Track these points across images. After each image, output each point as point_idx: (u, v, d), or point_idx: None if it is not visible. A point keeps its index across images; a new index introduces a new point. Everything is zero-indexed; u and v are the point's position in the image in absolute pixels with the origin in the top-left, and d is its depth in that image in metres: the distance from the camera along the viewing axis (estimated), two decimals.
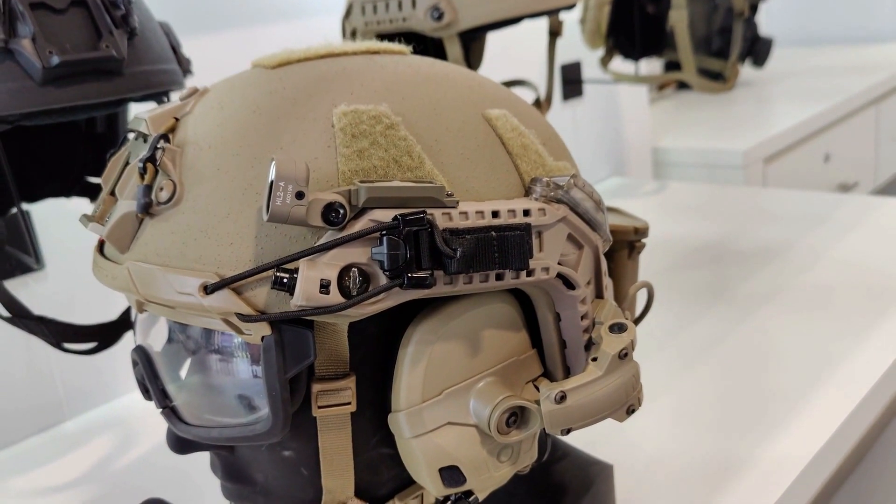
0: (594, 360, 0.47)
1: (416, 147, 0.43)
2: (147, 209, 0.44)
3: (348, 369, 0.45)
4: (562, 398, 0.45)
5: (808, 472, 0.73)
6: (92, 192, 0.85)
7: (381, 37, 0.92)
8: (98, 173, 0.85)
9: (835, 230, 1.29)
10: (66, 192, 0.84)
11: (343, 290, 0.39)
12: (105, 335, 0.74)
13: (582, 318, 0.48)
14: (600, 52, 1.53)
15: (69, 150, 0.83)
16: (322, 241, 0.40)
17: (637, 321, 0.58)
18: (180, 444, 0.49)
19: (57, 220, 0.95)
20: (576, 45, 1.62)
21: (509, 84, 1.12)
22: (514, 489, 0.54)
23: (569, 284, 0.46)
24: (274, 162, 0.38)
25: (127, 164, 0.47)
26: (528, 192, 0.46)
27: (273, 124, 0.44)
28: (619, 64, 1.67)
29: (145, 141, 0.47)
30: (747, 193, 1.56)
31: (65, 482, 0.87)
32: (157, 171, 0.44)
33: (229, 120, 0.45)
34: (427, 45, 1.03)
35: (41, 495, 0.85)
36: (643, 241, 0.57)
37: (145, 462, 0.88)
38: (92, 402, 1.02)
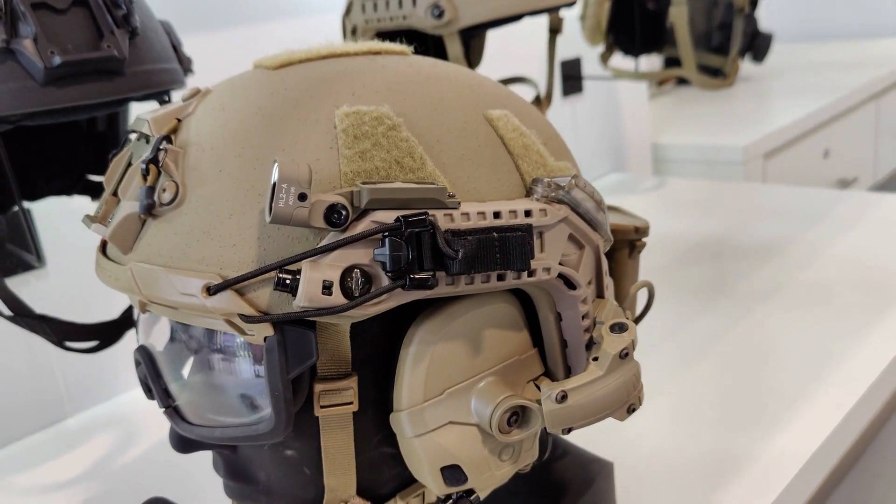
0: (595, 359, 0.47)
1: (418, 148, 0.43)
2: (150, 210, 0.44)
3: (350, 369, 0.45)
4: (563, 398, 0.46)
5: (807, 469, 0.73)
6: (93, 191, 0.85)
7: (381, 34, 0.93)
8: (99, 171, 0.85)
9: (834, 227, 1.30)
10: (67, 190, 0.85)
11: (345, 291, 0.40)
12: (107, 334, 0.74)
13: (583, 317, 0.48)
14: (600, 48, 1.53)
15: (70, 149, 0.83)
16: (324, 242, 0.40)
17: (637, 320, 0.58)
18: (183, 444, 0.50)
19: (58, 218, 0.95)
20: (576, 42, 1.62)
21: (510, 81, 1.12)
22: (515, 487, 0.55)
23: (570, 284, 0.46)
24: (276, 163, 0.38)
25: (129, 164, 0.48)
26: (529, 193, 0.46)
27: (275, 125, 0.44)
28: (619, 60, 1.67)
29: (147, 142, 0.47)
30: (747, 189, 1.56)
31: (66, 479, 0.87)
32: (159, 173, 0.44)
33: (231, 121, 0.45)
34: (427, 43, 1.03)
35: (43, 492, 0.85)
36: (644, 240, 0.58)
37: (147, 459, 0.89)
38: (93, 399, 1.02)
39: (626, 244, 0.57)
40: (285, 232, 0.41)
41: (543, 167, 0.47)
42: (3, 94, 0.57)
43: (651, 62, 2.15)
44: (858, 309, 1.00)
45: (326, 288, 0.39)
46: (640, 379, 0.49)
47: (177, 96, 0.72)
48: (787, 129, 1.87)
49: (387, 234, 0.40)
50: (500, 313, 0.47)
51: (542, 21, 1.07)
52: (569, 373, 0.50)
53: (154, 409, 0.97)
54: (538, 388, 0.48)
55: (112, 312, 0.83)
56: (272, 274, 0.40)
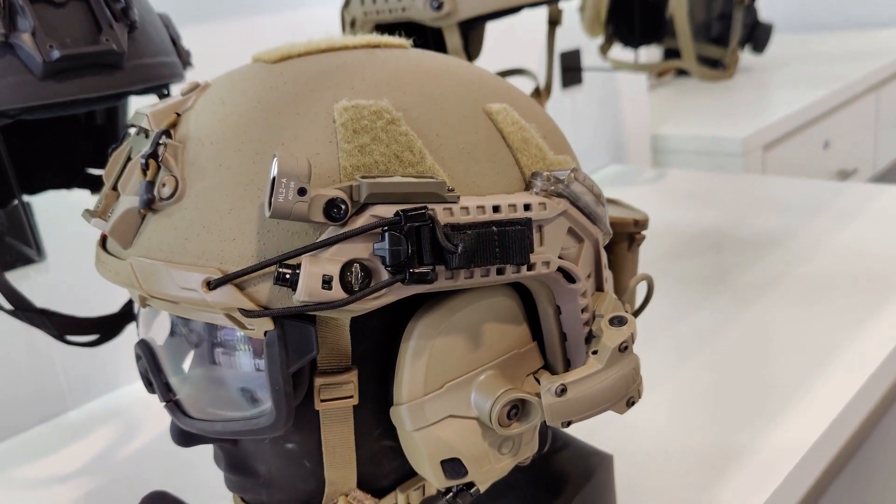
0: (594, 353, 0.47)
1: (418, 142, 0.43)
2: (149, 205, 0.44)
3: (350, 363, 0.45)
4: (562, 391, 0.46)
5: (806, 461, 0.74)
6: (92, 184, 0.85)
7: (380, 26, 0.92)
8: (98, 165, 0.85)
9: (834, 218, 1.30)
10: (66, 183, 0.85)
11: (345, 285, 0.40)
12: (107, 327, 0.74)
13: (582, 311, 0.48)
14: (600, 39, 1.53)
15: (69, 142, 0.83)
16: (324, 236, 0.40)
17: (637, 313, 0.58)
18: (184, 438, 0.50)
19: (58, 212, 0.95)
20: (575, 33, 1.62)
21: (509, 73, 1.12)
22: (515, 480, 0.55)
23: (569, 278, 0.46)
24: (276, 158, 0.38)
25: (129, 159, 0.48)
26: (528, 187, 0.46)
27: (274, 120, 0.44)
28: (619, 52, 1.67)
29: (147, 136, 0.47)
30: (746, 181, 1.56)
31: (68, 472, 0.87)
32: (159, 167, 0.44)
33: (230, 115, 0.45)
34: (426, 35, 1.03)
35: (45, 485, 0.85)
36: (643, 233, 0.58)
37: (148, 451, 0.89)
38: (95, 391, 1.02)
39: (626, 237, 0.57)
40: (285, 226, 0.41)
41: (543, 161, 0.47)
42: (2, 89, 0.57)
43: (650, 53, 2.15)
44: (858, 300, 1.00)
45: (326, 282, 0.39)
46: (640, 372, 0.49)
47: (176, 90, 0.72)
48: (786, 121, 1.87)
49: (386, 228, 0.40)
50: (499, 307, 0.47)
51: (542, 13, 1.07)
52: (568, 366, 0.50)
53: (155, 401, 0.97)
54: (538, 381, 0.48)
55: (112, 306, 0.83)
56: (272, 268, 0.40)
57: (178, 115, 0.47)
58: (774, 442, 0.76)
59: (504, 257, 0.42)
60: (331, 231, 0.40)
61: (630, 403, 0.48)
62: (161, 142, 0.44)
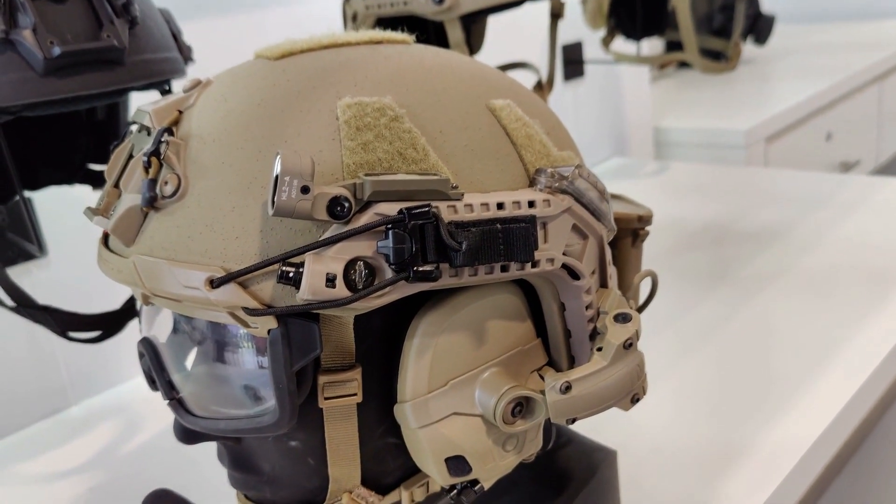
0: (599, 350, 0.47)
1: (421, 139, 0.43)
2: (152, 203, 0.44)
3: (354, 361, 0.45)
4: (567, 388, 0.46)
5: (809, 456, 0.74)
6: (94, 180, 0.85)
7: (382, 20, 0.92)
8: (99, 160, 0.85)
9: (837, 211, 1.29)
10: (67, 179, 0.84)
11: (349, 283, 0.39)
12: (109, 324, 0.74)
13: (587, 307, 0.48)
14: (602, 32, 1.52)
15: (70, 138, 0.83)
16: (327, 234, 0.40)
17: (641, 309, 0.58)
18: (187, 435, 0.50)
19: (59, 208, 0.95)
20: (577, 25, 1.61)
21: (511, 66, 1.11)
22: (519, 477, 0.55)
23: (573, 275, 0.46)
24: (279, 156, 0.38)
25: (131, 156, 0.47)
26: (532, 183, 0.46)
27: (277, 117, 0.43)
28: (621, 44, 1.66)
29: (149, 134, 0.46)
30: (749, 174, 1.56)
31: (71, 467, 0.87)
32: (161, 165, 0.44)
33: (233, 113, 0.45)
34: (428, 29, 1.02)
35: (47, 480, 0.85)
36: (647, 228, 0.57)
37: (151, 447, 0.89)
38: (97, 387, 1.02)
39: (630, 233, 0.57)
40: (288, 224, 0.41)
41: (546, 157, 0.47)
42: (3, 85, 0.57)
43: (652, 45, 2.14)
44: (861, 294, 1.00)
45: (330, 280, 0.39)
46: (644, 369, 0.49)
47: (177, 85, 0.72)
48: (789, 112, 1.87)
49: (390, 226, 0.39)
50: (503, 304, 0.47)
51: (544, 6, 1.07)
52: (572, 363, 0.50)
53: (157, 397, 0.97)
54: (542, 378, 0.48)
55: (114, 301, 0.83)
56: (275, 267, 0.40)
57: (181, 112, 0.46)
58: (778, 437, 0.75)
59: (508, 255, 0.42)
60: (334, 229, 0.40)
61: (635, 400, 0.48)
62: (163, 139, 0.44)
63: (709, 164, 1.70)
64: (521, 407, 0.47)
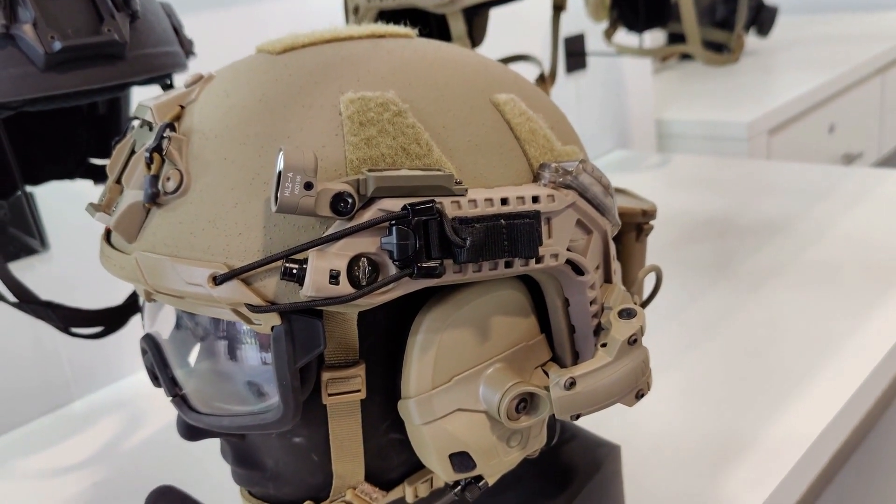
0: (604, 345, 0.47)
1: (424, 134, 0.43)
2: (154, 199, 0.43)
3: (358, 357, 0.45)
4: (571, 384, 0.45)
5: (813, 450, 0.73)
6: (95, 174, 0.85)
7: (384, 13, 0.92)
8: (101, 155, 0.85)
9: (840, 204, 1.29)
10: (69, 174, 0.84)
11: (352, 280, 0.39)
12: (112, 319, 0.74)
13: (591, 303, 0.48)
14: (604, 24, 1.51)
15: (71, 133, 0.82)
16: (331, 230, 0.40)
17: (645, 304, 0.58)
18: (191, 432, 0.50)
19: (61, 202, 0.95)
20: (579, 17, 1.61)
21: (513, 59, 1.11)
22: (523, 472, 0.55)
23: (578, 270, 0.46)
24: (282, 152, 0.38)
25: (133, 152, 0.47)
26: (536, 178, 0.45)
27: (279, 112, 0.43)
28: (623, 36, 1.66)
29: (150, 129, 0.46)
30: (752, 166, 1.56)
31: (73, 462, 0.87)
32: (163, 161, 0.44)
33: (235, 108, 0.44)
34: (430, 21, 1.02)
35: (50, 476, 0.85)
36: (651, 223, 0.57)
37: (153, 442, 0.89)
38: (99, 382, 1.02)
39: (634, 227, 0.57)
40: (291, 220, 0.41)
41: (551, 152, 0.47)
42: (4, 81, 0.56)
43: (655, 37, 2.13)
44: (864, 287, 1.00)
45: (333, 277, 0.39)
46: (649, 365, 0.48)
47: (179, 80, 0.72)
48: (791, 104, 1.86)
49: (394, 222, 0.39)
50: (507, 300, 0.47)
51: None
52: (576, 358, 0.50)
53: (160, 392, 0.97)
54: (546, 373, 0.48)
55: (116, 295, 0.83)
56: (278, 263, 0.40)
57: (182, 107, 0.46)
58: (781, 431, 0.75)
59: (512, 250, 0.42)
60: (337, 225, 0.40)
61: (639, 396, 0.48)
62: (165, 135, 0.44)
63: (711, 156, 1.69)
64: (526, 403, 0.46)
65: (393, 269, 0.40)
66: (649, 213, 0.57)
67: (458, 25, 0.88)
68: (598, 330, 0.48)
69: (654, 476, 0.72)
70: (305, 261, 0.39)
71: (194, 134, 0.44)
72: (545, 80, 1.11)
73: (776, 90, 1.95)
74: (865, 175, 1.41)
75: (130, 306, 0.76)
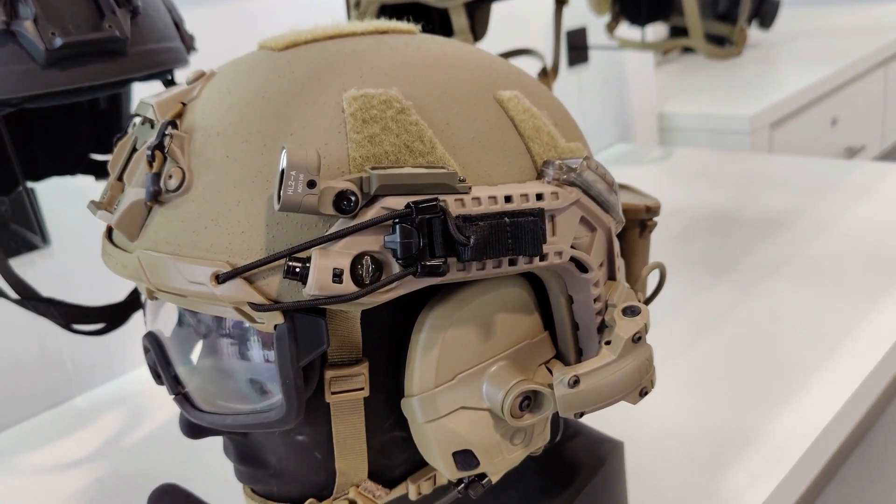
0: (608, 343, 0.47)
1: (428, 132, 0.42)
2: (156, 197, 0.43)
3: (361, 355, 0.45)
4: (575, 382, 0.45)
5: (817, 445, 0.73)
6: (96, 170, 0.85)
7: (385, 8, 0.91)
8: (102, 151, 0.84)
9: (843, 197, 1.29)
10: (70, 170, 0.84)
11: (356, 278, 0.39)
12: (113, 316, 0.74)
13: (595, 300, 0.47)
14: (606, 17, 1.51)
15: (72, 129, 0.82)
16: (334, 229, 0.39)
17: (648, 301, 0.58)
18: (193, 430, 0.49)
19: (62, 198, 0.95)
20: (581, 11, 1.60)
21: (515, 53, 1.11)
22: (526, 469, 0.55)
23: (581, 268, 0.46)
24: (285, 150, 0.38)
25: (134, 149, 0.47)
26: (540, 176, 0.45)
27: (282, 109, 0.43)
28: (625, 30, 1.65)
29: (152, 126, 0.46)
30: (754, 160, 1.55)
31: (75, 458, 0.87)
32: (165, 159, 0.44)
33: (237, 105, 0.44)
34: (432, 15, 1.02)
35: (52, 471, 0.85)
36: (655, 219, 0.57)
37: (155, 437, 0.89)
38: (101, 377, 1.02)
39: (637, 224, 0.57)
40: (294, 218, 0.40)
41: (554, 149, 0.47)
42: (5, 77, 0.56)
43: (657, 30, 2.13)
44: (868, 280, 1.00)
45: (337, 276, 0.39)
46: (653, 362, 0.48)
47: (180, 75, 0.72)
48: (794, 98, 1.85)
49: (397, 220, 0.39)
50: (510, 297, 0.47)
51: None
52: (580, 356, 0.49)
53: (162, 388, 0.97)
54: (550, 371, 0.48)
55: (118, 291, 0.83)
56: (281, 262, 0.40)
57: (184, 104, 0.46)
58: (785, 426, 0.75)
59: (516, 248, 0.41)
60: (341, 223, 0.39)
61: (643, 394, 0.48)
62: (167, 132, 0.44)
63: (713, 150, 1.69)
64: (529, 401, 0.46)
65: (396, 268, 0.40)
66: (653, 210, 0.56)
67: (460, 19, 0.88)
68: (602, 327, 0.48)
69: (657, 472, 0.72)
70: (308, 259, 0.39)
71: (196, 131, 0.44)
72: (547, 74, 1.11)
73: (778, 83, 1.94)
74: (868, 169, 1.40)
75: (132, 303, 0.76)
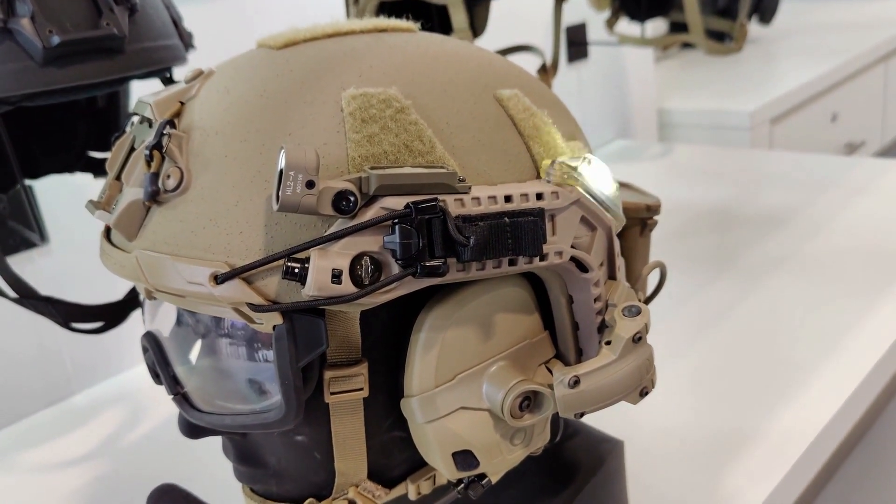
0: (608, 343, 0.46)
1: (427, 131, 0.42)
2: (154, 197, 0.43)
3: (360, 356, 0.44)
4: (575, 383, 0.45)
5: (817, 443, 0.73)
6: (94, 168, 0.85)
7: (384, 5, 0.91)
8: (100, 148, 0.84)
9: (843, 194, 1.28)
10: (68, 167, 0.84)
11: (355, 279, 0.39)
12: (112, 314, 0.74)
13: (595, 300, 0.47)
14: (606, 13, 1.51)
15: (70, 126, 0.82)
16: (333, 229, 0.39)
17: (648, 300, 0.58)
18: (192, 430, 0.49)
19: (60, 195, 0.94)
20: (581, 7, 1.60)
21: (515, 50, 1.10)
22: (526, 468, 0.54)
23: (582, 267, 0.46)
24: (283, 150, 0.37)
25: (132, 148, 0.47)
26: (540, 175, 0.45)
27: (281, 109, 0.43)
28: (625, 25, 1.65)
29: (150, 125, 0.46)
30: (754, 156, 1.55)
31: (74, 456, 0.87)
32: (163, 158, 0.43)
33: (235, 104, 0.44)
34: (431, 12, 1.01)
35: (50, 469, 0.85)
36: (655, 218, 0.57)
37: (154, 435, 0.89)
38: (100, 375, 1.02)
39: (638, 222, 0.56)
40: (293, 219, 0.40)
41: (555, 148, 0.46)
42: (3, 75, 0.56)
43: (656, 26, 2.12)
44: (868, 277, 1.00)
45: (336, 276, 0.38)
46: (654, 362, 0.48)
47: (178, 73, 0.71)
48: (794, 94, 1.85)
49: (396, 220, 0.39)
50: (510, 297, 0.46)
51: None
52: (580, 355, 0.49)
53: (161, 386, 0.97)
54: (550, 371, 0.48)
55: (116, 288, 0.82)
56: (280, 262, 0.39)
57: (182, 103, 0.46)
58: (785, 424, 0.75)
59: (516, 248, 0.41)
60: (340, 224, 0.39)
61: (643, 393, 0.48)
62: (165, 132, 0.43)
63: (713, 146, 1.69)
64: (529, 401, 0.46)
65: (396, 268, 0.39)
66: (653, 209, 0.56)
67: (459, 16, 0.88)
68: (603, 327, 0.48)
69: (657, 471, 0.71)
70: (307, 260, 0.39)
71: (194, 131, 0.44)
72: (547, 71, 1.11)
73: (778, 79, 1.94)
74: (868, 165, 1.40)
75: (131, 301, 0.75)
